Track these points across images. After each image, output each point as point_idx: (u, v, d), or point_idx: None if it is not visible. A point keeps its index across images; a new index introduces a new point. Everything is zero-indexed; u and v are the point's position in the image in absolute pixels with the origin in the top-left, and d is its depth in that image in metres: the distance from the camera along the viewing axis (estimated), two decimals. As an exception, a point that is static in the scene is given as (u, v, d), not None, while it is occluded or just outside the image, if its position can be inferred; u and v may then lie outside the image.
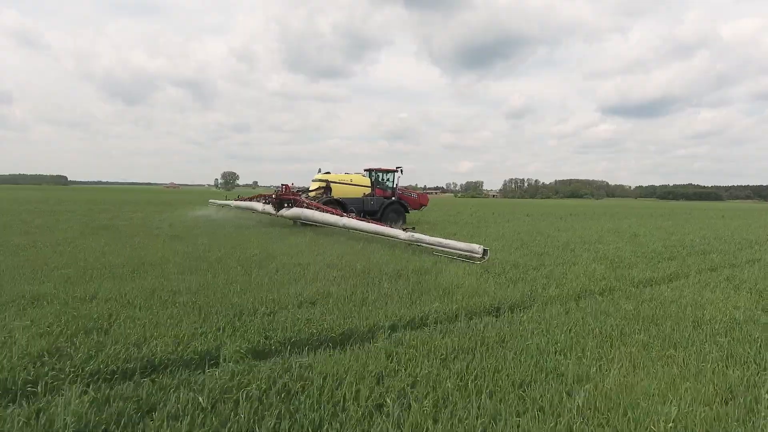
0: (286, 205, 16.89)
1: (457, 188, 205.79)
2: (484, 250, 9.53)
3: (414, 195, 22.16)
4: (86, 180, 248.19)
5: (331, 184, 19.01)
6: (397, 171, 20.92)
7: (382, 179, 20.97)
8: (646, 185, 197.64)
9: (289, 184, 18.47)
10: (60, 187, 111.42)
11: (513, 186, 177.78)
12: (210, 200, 24.18)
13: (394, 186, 21.02)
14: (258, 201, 19.63)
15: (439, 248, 10.46)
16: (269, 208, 17.87)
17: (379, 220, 19.36)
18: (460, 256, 9.89)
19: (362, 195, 19.76)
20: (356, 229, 13.22)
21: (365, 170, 21.05)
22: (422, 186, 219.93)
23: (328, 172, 19.71)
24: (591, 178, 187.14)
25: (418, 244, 11.03)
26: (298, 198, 16.82)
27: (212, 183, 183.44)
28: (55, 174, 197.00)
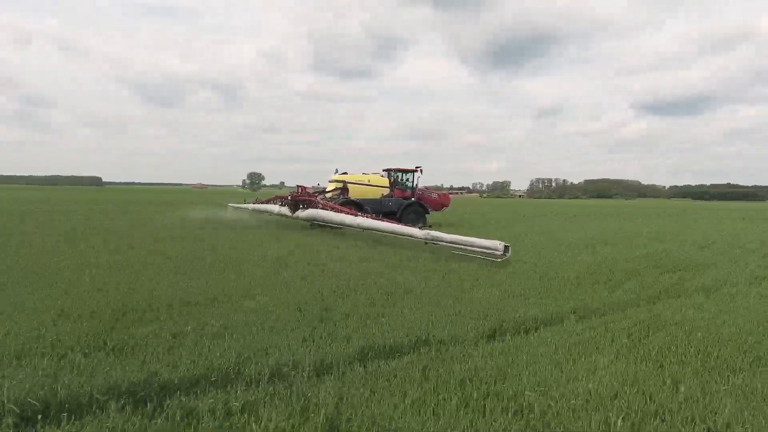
0: (301, 206, 16.51)
1: (483, 188, 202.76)
2: (506, 246, 8.99)
3: (435, 195, 21.49)
4: (120, 181, 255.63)
5: (348, 185, 18.57)
6: (416, 171, 20.31)
7: (402, 179, 20.39)
8: (681, 185, 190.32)
9: (306, 186, 18.12)
10: (92, 188, 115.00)
11: (540, 186, 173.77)
12: (229, 204, 23.88)
13: (414, 186, 20.40)
14: (274, 203, 19.33)
15: (458, 246, 9.99)
16: (285, 210, 17.54)
17: (398, 222, 18.82)
18: (479, 253, 9.43)
19: (380, 196, 19.25)
20: (371, 229, 12.80)
21: (384, 170, 20.53)
22: (448, 186, 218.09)
23: (345, 173, 19.25)
24: (623, 178, 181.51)
25: (435, 242, 10.59)
26: (313, 199, 16.43)
27: (240, 183, 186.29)
28: (90, 175, 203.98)
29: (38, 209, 24.54)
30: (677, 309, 6.14)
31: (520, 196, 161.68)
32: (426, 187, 21.94)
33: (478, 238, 9.87)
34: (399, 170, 20.35)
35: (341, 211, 14.80)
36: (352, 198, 18.15)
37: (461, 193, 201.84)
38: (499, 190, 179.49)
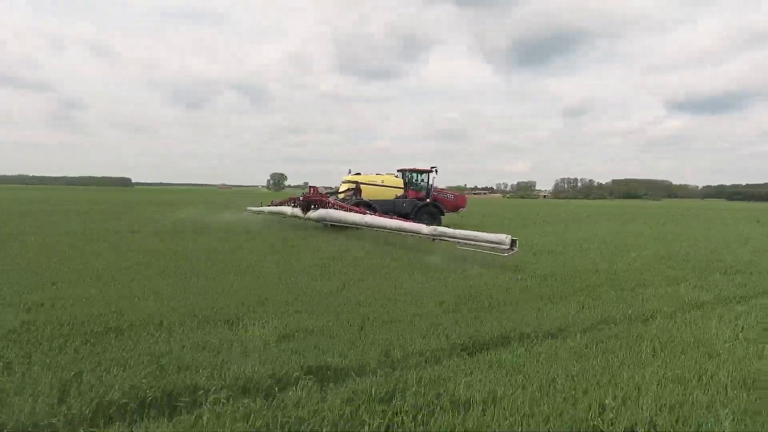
0: (312, 207, 16.35)
1: (507, 189, 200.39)
2: (513, 240, 8.76)
3: (450, 196, 21.00)
4: (149, 182, 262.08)
5: (361, 186, 18.31)
6: (432, 171, 19.91)
7: (416, 180, 20.03)
8: (715, 185, 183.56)
9: (317, 186, 17.98)
10: (119, 189, 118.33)
11: (565, 186, 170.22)
12: (247, 207, 23.57)
13: (429, 187, 20.00)
14: (287, 205, 19.21)
15: (464, 241, 9.85)
16: (297, 211, 17.41)
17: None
18: (486, 248, 9.39)
19: (394, 196, 18.93)
20: (379, 227, 12.72)
21: (398, 170, 20.20)
22: (472, 186, 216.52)
23: (358, 173, 19.00)
24: (653, 178, 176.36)
25: (443, 238, 10.50)
26: (323, 199, 16.28)
27: (264, 184, 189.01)
28: (119, 176, 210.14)
29: (63, 209, 25.07)
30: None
31: (544, 196, 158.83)
32: (443, 189, 21.52)
33: (484, 232, 9.72)
34: (413, 170, 19.99)
35: (350, 211, 14.62)
36: (364, 199, 17.90)
37: (485, 193, 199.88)
38: (523, 190, 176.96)
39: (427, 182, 20.02)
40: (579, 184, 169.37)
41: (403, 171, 19.96)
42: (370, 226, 12.95)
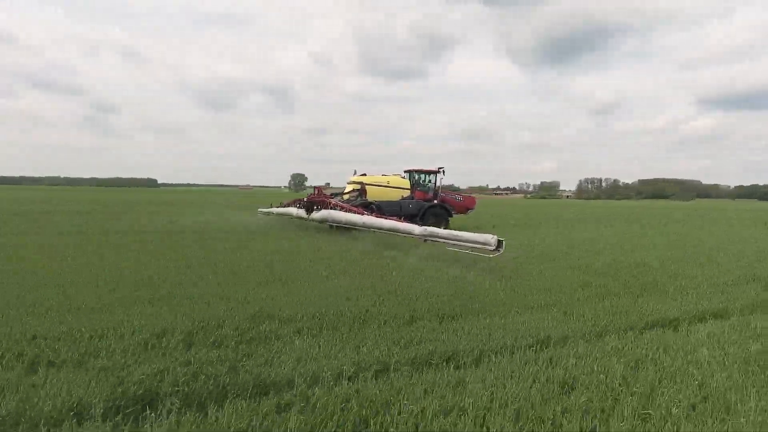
0: (315, 208, 16.27)
1: (530, 189, 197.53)
2: (499, 241, 8.50)
3: (459, 198, 20.64)
4: (176, 182, 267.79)
5: (366, 187, 18.15)
6: (439, 172, 19.59)
7: (423, 181, 19.74)
8: (748, 185, 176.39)
9: (322, 187, 17.91)
10: (142, 190, 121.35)
11: (588, 186, 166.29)
12: (259, 209, 23.68)
13: (436, 188, 19.69)
14: (294, 206, 19.19)
15: (453, 241, 9.75)
16: (302, 212, 17.37)
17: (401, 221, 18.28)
18: (473, 248, 9.25)
19: (400, 197, 18.70)
20: (375, 227, 12.71)
21: (405, 171, 19.97)
22: (494, 186, 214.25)
23: (363, 174, 18.83)
24: (684, 177, 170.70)
25: (433, 239, 10.41)
26: (326, 200, 16.19)
27: (286, 184, 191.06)
28: (145, 177, 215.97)
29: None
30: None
31: (567, 196, 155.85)
32: (452, 190, 21.20)
33: (470, 232, 9.63)
34: (420, 171, 19.72)
35: (350, 211, 14.50)
36: (369, 200, 17.73)
37: (506, 194, 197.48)
38: (545, 190, 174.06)
39: (434, 183, 19.72)
40: (603, 184, 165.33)
41: (409, 172, 19.71)
42: (367, 227, 12.85)
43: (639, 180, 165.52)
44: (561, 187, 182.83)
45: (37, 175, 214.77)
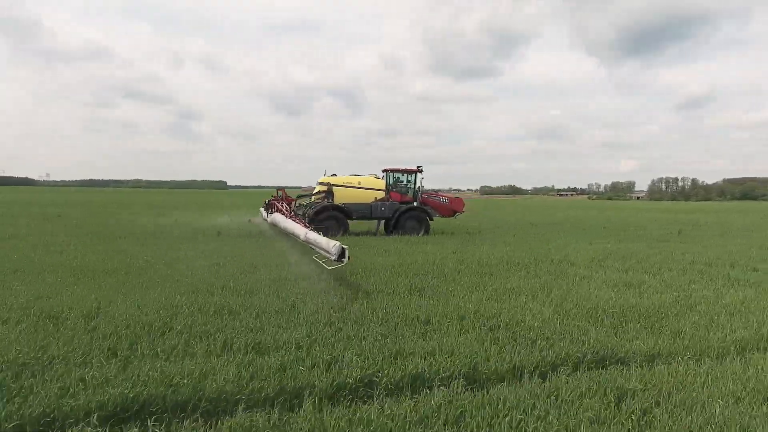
0: (270, 211, 15.80)
1: (600, 189, 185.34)
2: (342, 250, 7.31)
3: (444, 200, 19.21)
4: (246, 185, 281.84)
5: (335, 188, 17.30)
6: (418, 171, 18.36)
7: (402, 181, 18.56)
8: None
9: (284, 189, 17.37)
10: (208, 192, 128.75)
11: (663, 186, 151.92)
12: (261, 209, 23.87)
13: (416, 189, 18.43)
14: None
15: (311, 245, 9.29)
16: (266, 214, 17.01)
17: (394, 229, 17.26)
18: (320, 255, 8.55)
19: (373, 200, 17.68)
20: (292, 234, 12.06)
21: (383, 171, 18.90)
22: (565, 187, 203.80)
23: (333, 175, 17.98)
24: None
25: (307, 242, 9.74)
26: (275, 204, 15.66)
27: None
28: (215, 180, 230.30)
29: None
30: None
31: (638, 198, 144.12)
32: (436, 192, 19.82)
33: (324, 238, 8.79)
34: (397, 170, 18.55)
35: (289, 218, 13.77)
36: (337, 203, 16.88)
37: (571, 195, 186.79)
38: (616, 191, 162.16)
39: (414, 184, 18.48)
40: (680, 184, 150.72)
41: (387, 171, 18.61)
42: (289, 234, 12.15)
43: (724, 179, 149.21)
44: (636, 188, 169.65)
45: (122, 177, 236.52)
